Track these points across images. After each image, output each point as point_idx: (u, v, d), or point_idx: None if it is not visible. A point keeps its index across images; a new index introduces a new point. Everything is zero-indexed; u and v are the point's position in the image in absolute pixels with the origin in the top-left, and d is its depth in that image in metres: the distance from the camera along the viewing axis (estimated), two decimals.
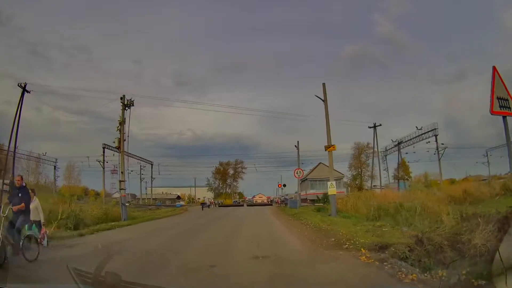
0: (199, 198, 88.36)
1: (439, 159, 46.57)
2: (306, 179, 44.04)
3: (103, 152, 58.54)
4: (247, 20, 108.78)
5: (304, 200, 41.53)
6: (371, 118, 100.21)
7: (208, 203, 40.07)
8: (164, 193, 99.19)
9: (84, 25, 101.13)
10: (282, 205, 35.77)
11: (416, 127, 45.66)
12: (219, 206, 44.89)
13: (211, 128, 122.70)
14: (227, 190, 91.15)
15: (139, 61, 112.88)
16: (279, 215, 23.43)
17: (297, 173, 24.06)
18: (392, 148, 55.47)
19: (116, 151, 61.63)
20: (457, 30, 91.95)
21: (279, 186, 40.20)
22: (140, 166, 73.09)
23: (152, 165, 74.40)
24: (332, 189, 19.95)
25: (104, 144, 58.73)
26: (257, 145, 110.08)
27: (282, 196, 40.46)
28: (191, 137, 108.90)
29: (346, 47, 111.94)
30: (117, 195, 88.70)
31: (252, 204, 43.40)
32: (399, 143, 47.50)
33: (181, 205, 49.38)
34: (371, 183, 44.16)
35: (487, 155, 56.90)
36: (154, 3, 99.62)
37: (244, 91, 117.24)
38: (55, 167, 66.43)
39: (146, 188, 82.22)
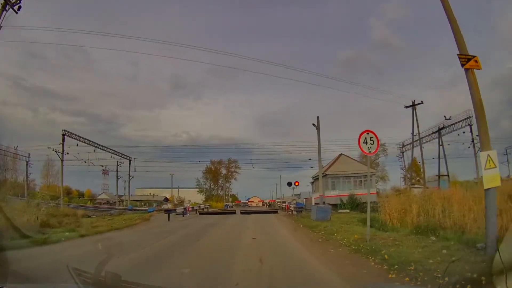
0: (189, 201, 77.91)
1: (475, 154, 34.68)
2: (324, 174, 30.44)
3: (63, 140, 44.70)
4: (243, 23, 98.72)
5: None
6: (366, 122, 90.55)
7: (182, 210, 25.71)
8: (151, 194, 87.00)
9: (80, 26, 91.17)
10: (294, 212, 22.32)
11: (445, 116, 34.43)
12: (201, 213, 28.75)
13: (206, 131, 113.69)
14: (218, 192, 77.96)
15: (135, 63, 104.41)
16: (336, 256, 7.63)
17: (365, 143, 8.97)
18: (411, 143, 42.91)
19: (82, 141, 48.34)
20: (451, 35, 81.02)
21: (296, 184, 25.75)
22: (117, 162, 59.81)
23: (130, 161, 61.10)
24: (491, 171, 6.23)
25: (64, 130, 45.17)
26: (253, 147, 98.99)
27: (294, 200, 27.01)
28: (186, 139, 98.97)
29: (341, 52, 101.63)
30: (103, 196, 76.27)
31: (247, 211, 28.15)
32: (439, 130, 34.21)
33: (154, 210, 36.40)
34: (411, 181, 30.74)
35: (506, 154, 47.42)
36: (150, 6, 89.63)
37: (239, 94, 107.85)
38: (27, 163, 53.01)
39: (124, 188, 68.72)
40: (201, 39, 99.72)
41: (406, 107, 31.70)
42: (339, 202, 27.21)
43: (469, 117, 34.89)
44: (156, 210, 35.01)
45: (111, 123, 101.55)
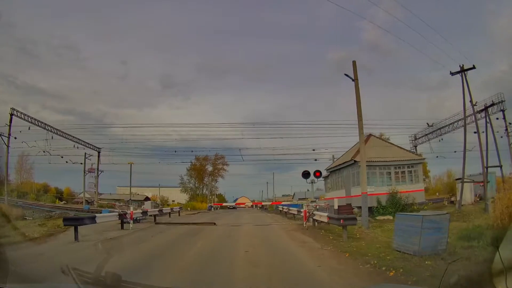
0: (173, 200, 67.70)
1: (510, 144, 27.06)
2: (352, 161, 19.20)
3: (10, 121, 33.26)
4: (233, 24, 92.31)
5: (345, 208, 17.66)
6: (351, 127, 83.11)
7: (115, 216, 13.64)
8: (133, 193, 76.79)
9: (71, 25, 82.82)
10: (315, 223, 11.78)
11: (470, 102, 25.49)
12: (158, 223, 16.49)
13: (196, 131, 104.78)
14: (204, 191, 67.23)
15: (125, 62, 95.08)
16: None
17: None
18: (426, 135, 33.58)
19: (36, 124, 35.75)
20: (445, 37, 78.45)
21: (317, 174, 15.45)
22: (85, 155, 48.81)
23: (99, 153, 50.45)
24: None
25: (12, 109, 33.71)
26: (243, 147, 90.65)
27: (313, 201, 16.23)
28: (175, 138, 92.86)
29: (332, 53, 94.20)
30: (85, 194, 65.46)
31: (234, 224, 13.81)
32: (486, 108, 24.50)
33: (108, 211, 26.09)
34: (463, 174, 20.76)
35: None
36: (141, 5, 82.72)
37: (228, 94, 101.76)
38: None
39: (94, 185, 58.74)
40: (191, 38, 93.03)
41: (452, 73, 21.99)
42: (375, 203, 17.04)
43: (502, 101, 26.32)
44: (110, 212, 24.52)
45: (101, 121, 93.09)
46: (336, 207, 15.83)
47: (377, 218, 16.02)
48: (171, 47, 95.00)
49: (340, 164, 20.49)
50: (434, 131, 33.27)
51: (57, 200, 58.08)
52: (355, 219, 9.32)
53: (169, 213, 21.35)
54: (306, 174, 13.89)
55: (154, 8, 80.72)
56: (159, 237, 10.52)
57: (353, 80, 13.37)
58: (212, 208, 43.60)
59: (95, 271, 2.38)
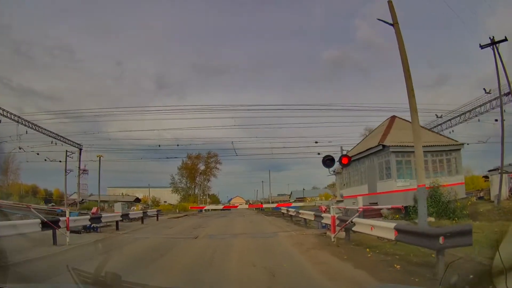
0: (165, 201, 62.74)
1: None
2: (381, 147, 14.82)
3: None
4: (229, 23, 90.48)
5: (370, 209, 13.33)
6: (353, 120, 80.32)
7: (42, 222, 8.37)
8: (123, 194, 72.09)
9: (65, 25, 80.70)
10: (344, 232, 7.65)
11: (484, 89, 23.01)
12: (117, 234, 11.67)
13: (189, 131, 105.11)
14: (196, 191, 63.11)
15: (120, 62, 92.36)
16: None
17: None
18: (439, 125, 29.71)
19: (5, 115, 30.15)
20: (440, 36, 75.03)
21: (344, 161, 8.95)
22: (67, 152, 44.29)
23: (81, 150, 45.87)
24: None
25: None
26: (236, 140, 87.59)
27: (340, 200, 11.89)
28: (169, 138, 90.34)
29: (327, 51, 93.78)
30: (74, 196, 61.49)
31: (223, 234, 11.69)
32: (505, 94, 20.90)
33: (78, 214, 21.85)
34: (502, 165, 16.87)
35: None
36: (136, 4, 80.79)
37: (223, 94, 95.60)
38: None
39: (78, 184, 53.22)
40: (185, 37, 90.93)
41: (482, 46, 18.51)
42: (410, 202, 12.82)
43: None
44: (81, 214, 19.87)
45: (95, 121, 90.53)
46: (359, 206, 11.51)
47: (416, 221, 11.78)
48: (165, 46, 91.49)
49: (360, 153, 15.87)
50: (444, 122, 29.60)
51: (42, 202, 54.17)
52: (469, 233, 4.43)
53: (142, 218, 16.41)
54: (328, 161, 9.39)
55: (149, 8, 78.10)
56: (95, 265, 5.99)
57: (391, 24, 9.24)
58: (203, 210, 38.95)
59: (95, 271, 2.29)
